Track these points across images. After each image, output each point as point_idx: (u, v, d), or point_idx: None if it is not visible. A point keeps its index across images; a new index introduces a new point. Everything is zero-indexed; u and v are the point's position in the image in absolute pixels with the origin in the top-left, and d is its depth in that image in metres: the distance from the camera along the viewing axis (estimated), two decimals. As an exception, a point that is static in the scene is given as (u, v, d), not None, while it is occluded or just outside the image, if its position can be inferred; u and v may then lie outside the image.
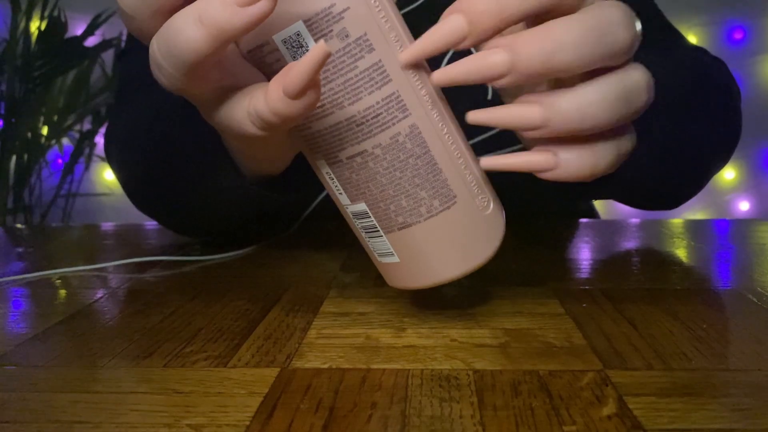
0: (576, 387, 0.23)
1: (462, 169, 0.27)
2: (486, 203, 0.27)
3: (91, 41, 1.96)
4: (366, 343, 0.28)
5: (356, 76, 0.25)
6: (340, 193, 0.28)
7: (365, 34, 0.25)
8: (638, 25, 0.24)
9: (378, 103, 0.26)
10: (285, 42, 0.25)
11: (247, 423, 0.21)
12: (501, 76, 0.23)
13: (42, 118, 2.03)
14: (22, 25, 1.93)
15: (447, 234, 0.27)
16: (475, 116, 0.25)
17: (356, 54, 0.25)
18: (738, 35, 2.05)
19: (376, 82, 0.25)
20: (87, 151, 2.06)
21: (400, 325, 0.30)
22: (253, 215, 0.45)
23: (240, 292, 0.36)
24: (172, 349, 0.28)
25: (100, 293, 0.37)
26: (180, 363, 0.26)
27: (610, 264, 0.41)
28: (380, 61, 0.25)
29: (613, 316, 0.31)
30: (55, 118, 2.04)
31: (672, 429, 0.20)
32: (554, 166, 0.25)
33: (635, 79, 0.24)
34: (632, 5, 0.46)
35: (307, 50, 0.25)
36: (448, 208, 0.27)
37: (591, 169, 0.25)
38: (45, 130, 2.04)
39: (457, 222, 0.27)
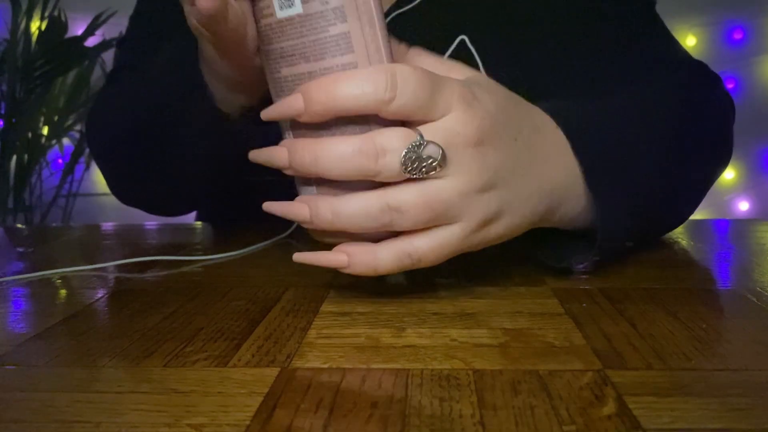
0: (575, 387, 0.23)
1: None
2: None
3: (91, 41, 1.96)
4: (366, 343, 0.28)
5: (325, 38, 0.29)
6: (289, 136, 0.32)
7: (342, 6, 0.29)
8: (392, 159, 0.29)
9: (337, 66, 0.29)
10: None
11: (248, 423, 0.21)
12: (285, 168, 0.31)
13: (42, 118, 2.03)
14: (23, 25, 1.93)
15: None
16: (266, 206, 0.32)
17: (331, 20, 0.29)
18: (738, 35, 2.05)
19: (341, 49, 0.29)
20: (87, 151, 2.05)
21: (400, 325, 0.30)
22: (225, 163, 0.47)
23: (240, 292, 0.36)
24: (173, 348, 0.28)
25: (100, 293, 0.37)
26: (180, 363, 0.26)
27: (610, 264, 0.41)
28: (349, 32, 0.29)
29: (613, 315, 0.31)
30: (56, 118, 2.05)
31: (671, 429, 0.20)
32: (347, 266, 0.31)
33: (378, 203, 0.30)
34: (630, 18, 0.47)
35: (293, 5, 0.29)
36: None
37: (373, 269, 0.31)
38: (45, 130, 2.05)
39: None
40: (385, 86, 0.29)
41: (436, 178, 0.30)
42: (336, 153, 0.29)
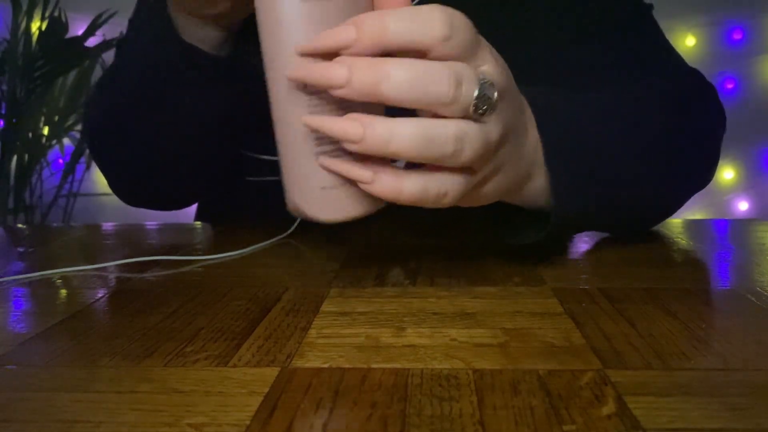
0: (575, 386, 0.23)
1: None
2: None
3: (91, 41, 1.96)
4: (366, 343, 0.28)
5: None
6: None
7: None
8: (469, 89, 0.28)
9: None
10: None
11: (248, 422, 0.21)
12: (339, 87, 0.27)
13: (43, 118, 2.03)
14: (23, 25, 1.93)
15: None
16: (310, 120, 0.28)
17: None
18: (737, 35, 2.05)
19: None
20: (88, 151, 2.05)
21: (400, 325, 0.30)
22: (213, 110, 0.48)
23: (240, 292, 0.36)
24: (173, 348, 0.28)
25: (100, 293, 0.37)
26: (180, 362, 0.26)
27: (610, 264, 0.41)
28: None
29: (613, 315, 0.31)
30: (56, 118, 2.04)
31: (671, 428, 0.20)
32: (370, 182, 0.29)
33: (444, 131, 0.28)
34: (626, 24, 0.47)
35: None
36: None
37: (396, 193, 0.29)
38: (46, 130, 2.05)
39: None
40: (442, 23, 0.27)
41: (483, 121, 0.29)
42: (410, 73, 0.27)
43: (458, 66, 0.28)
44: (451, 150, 0.28)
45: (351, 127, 0.27)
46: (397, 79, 0.27)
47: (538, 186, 0.37)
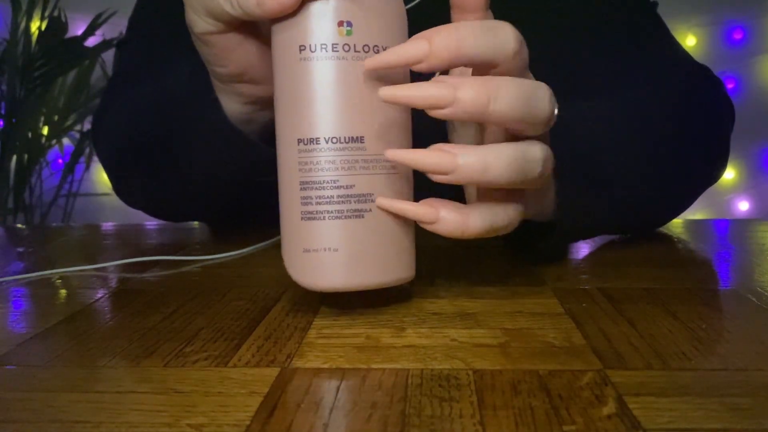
0: (575, 386, 0.23)
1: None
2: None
3: (91, 41, 1.96)
4: (366, 343, 0.28)
5: None
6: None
7: None
8: (555, 106, 0.28)
9: None
10: None
11: (248, 423, 0.21)
12: (442, 107, 0.26)
13: (42, 118, 2.04)
14: (23, 25, 1.94)
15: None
16: (394, 155, 0.27)
17: None
18: (738, 35, 2.05)
19: None
20: (87, 151, 2.06)
21: (400, 325, 0.30)
22: (234, 177, 0.45)
23: (240, 292, 0.36)
24: (173, 348, 0.28)
25: (100, 293, 0.37)
26: (180, 363, 0.26)
27: (610, 264, 0.41)
28: None
29: (613, 315, 0.31)
30: (56, 118, 2.05)
31: (671, 429, 0.20)
32: (434, 221, 0.28)
33: (533, 152, 0.28)
34: (632, 21, 0.46)
35: None
36: None
37: (461, 232, 0.28)
38: (45, 130, 2.05)
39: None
40: (514, 38, 0.27)
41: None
42: (519, 92, 0.26)
43: (540, 85, 0.27)
44: (539, 171, 0.28)
45: (442, 158, 0.27)
46: (509, 97, 0.26)
47: (550, 196, 0.37)
